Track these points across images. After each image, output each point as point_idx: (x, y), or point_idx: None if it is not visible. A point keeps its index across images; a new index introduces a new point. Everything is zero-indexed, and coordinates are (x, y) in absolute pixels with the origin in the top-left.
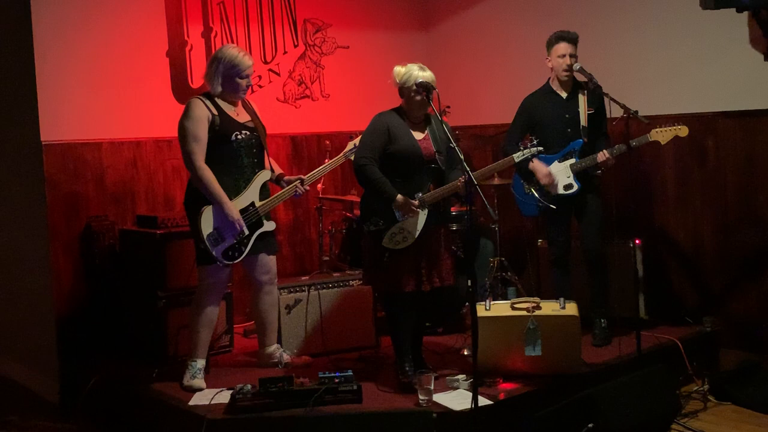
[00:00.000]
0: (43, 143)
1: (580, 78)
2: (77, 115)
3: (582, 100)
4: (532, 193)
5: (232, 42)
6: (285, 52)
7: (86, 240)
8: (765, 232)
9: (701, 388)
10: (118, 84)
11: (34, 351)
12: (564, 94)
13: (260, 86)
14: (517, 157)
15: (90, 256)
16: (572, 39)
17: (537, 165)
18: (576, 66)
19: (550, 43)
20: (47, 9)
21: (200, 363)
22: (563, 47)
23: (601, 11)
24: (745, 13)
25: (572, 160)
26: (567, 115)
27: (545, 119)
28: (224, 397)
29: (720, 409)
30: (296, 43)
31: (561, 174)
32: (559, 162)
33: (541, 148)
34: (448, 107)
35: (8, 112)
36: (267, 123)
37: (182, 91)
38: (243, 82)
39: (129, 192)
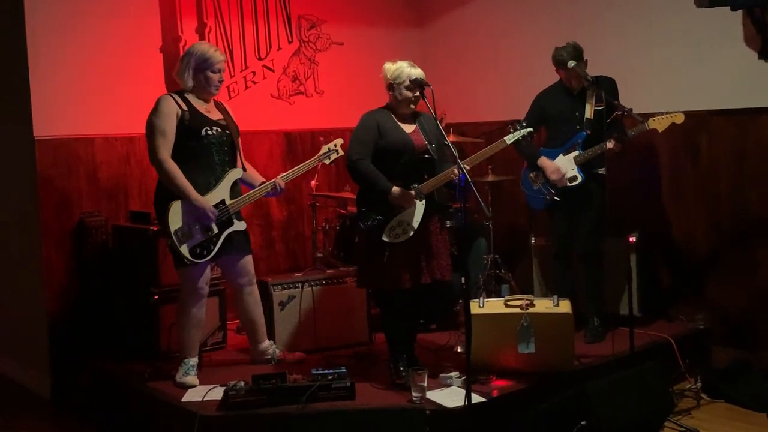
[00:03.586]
0: (36, 138)
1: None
2: (70, 111)
3: (590, 95)
4: (540, 188)
5: (226, 38)
6: (279, 49)
7: (79, 236)
8: (757, 229)
9: (694, 386)
10: (111, 79)
11: (25, 347)
12: (575, 91)
13: (254, 82)
14: (508, 139)
15: (82, 252)
16: (565, 64)
17: (544, 162)
18: (570, 64)
19: (556, 62)
20: (40, 3)
21: (193, 360)
22: (563, 74)
23: (596, 9)
24: (740, 12)
25: (576, 153)
26: (577, 113)
27: (556, 116)
28: (217, 393)
29: (712, 406)
30: (290, 40)
31: (565, 166)
32: (563, 155)
33: (530, 129)
34: (445, 115)
35: (1, 107)
36: (261, 119)
37: (175, 86)
38: (215, 77)
39: (122, 188)
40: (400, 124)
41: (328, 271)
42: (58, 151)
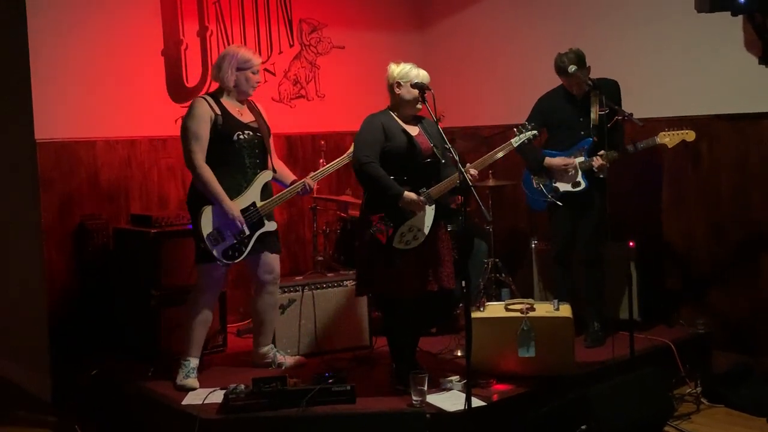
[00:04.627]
0: (38, 141)
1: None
2: (72, 113)
3: (594, 100)
4: (541, 188)
5: (228, 41)
6: (280, 52)
7: (80, 238)
8: (758, 233)
9: (694, 390)
10: (112, 82)
11: (26, 349)
12: (578, 96)
13: None
14: (515, 141)
15: (83, 254)
16: (566, 71)
17: (551, 161)
18: (571, 69)
19: (558, 69)
20: (42, 6)
21: (194, 362)
22: (565, 80)
23: (596, 14)
24: (740, 17)
25: (581, 159)
26: (581, 119)
27: (559, 120)
28: (217, 396)
29: (712, 411)
30: (292, 43)
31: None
32: (567, 159)
33: (536, 132)
34: (443, 116)
35: (2, 109)
36: None
37: (177, 90)
38: (254, 77)
39: (123, 191)
40: (405, 126)
41: (329, 275)
42: (60, 153)
